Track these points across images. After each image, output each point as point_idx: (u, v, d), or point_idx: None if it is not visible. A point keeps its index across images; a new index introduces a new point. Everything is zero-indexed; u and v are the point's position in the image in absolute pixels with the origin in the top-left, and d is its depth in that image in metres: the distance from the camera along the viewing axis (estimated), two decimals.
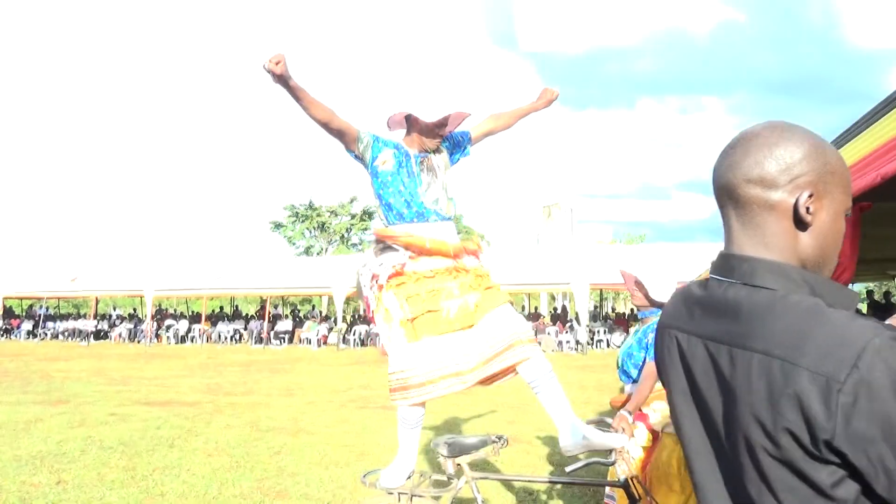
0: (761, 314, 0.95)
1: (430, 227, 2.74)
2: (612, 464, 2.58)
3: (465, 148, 3.00)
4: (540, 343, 18.65)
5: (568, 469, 2.49)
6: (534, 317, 25.95)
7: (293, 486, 5.38)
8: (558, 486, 4.98)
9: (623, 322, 23.94)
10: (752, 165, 1.01)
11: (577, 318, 21.51)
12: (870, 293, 14.57)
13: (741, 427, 0.94)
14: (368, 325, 25.26)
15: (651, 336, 3.06)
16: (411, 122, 2.79)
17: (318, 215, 48.94)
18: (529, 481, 2.99)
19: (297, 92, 2.50)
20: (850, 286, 3.34)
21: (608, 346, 22.01)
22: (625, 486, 2.55)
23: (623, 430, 2.71)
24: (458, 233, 2.87)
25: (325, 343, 24.07)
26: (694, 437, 1.08)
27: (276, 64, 2.31)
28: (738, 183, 1.02)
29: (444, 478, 2.75)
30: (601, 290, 26.57)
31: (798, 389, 0.86)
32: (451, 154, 2.93)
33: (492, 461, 5.55)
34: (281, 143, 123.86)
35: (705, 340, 1.03)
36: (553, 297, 37.23)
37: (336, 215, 49.92)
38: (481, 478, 2.70)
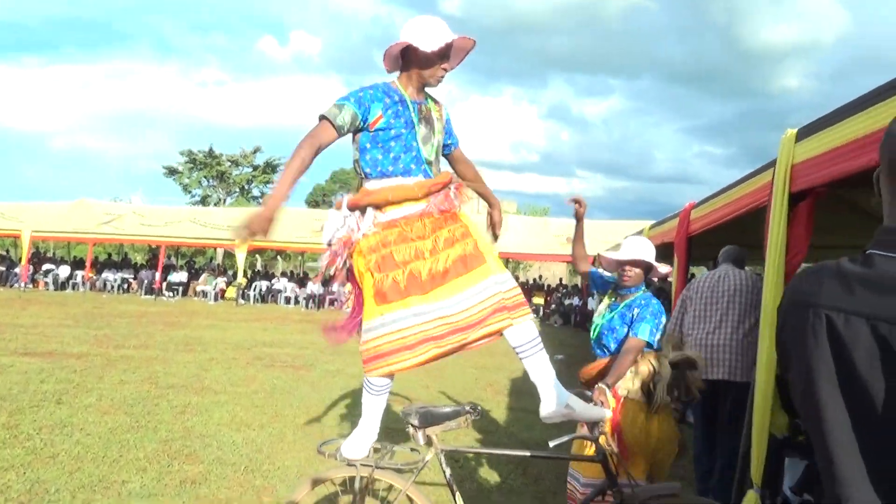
0: None
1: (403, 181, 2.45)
2: (595, 439, 2.44)
3: (449, 146, 2.70)
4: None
5: (552, 444, 2.34)
6: None
7: (203, 449, 4.99)
8: (495, 458, 4.89)
9: (526, 291, 24.38)
10: None
11: None
12: None
13: None
14: (270, 281, 24.42)
15: (636, 311, 2.98)
16: (409, 56, 2.46)
17: (218, 164, 46.50)
18: (506, 455, 2.81)
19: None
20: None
21: None
22: (603, 460, 2.43)
23: (602, 403, 2.59)
24: None
25: (222, 297, 23.03)
26: (836, 423, 0.95)
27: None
28: None
29: (408, 449, 2.53)
30: (507, 260, 26.95)
31: None
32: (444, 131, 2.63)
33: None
34: (179, 85, 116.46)
35: (873, 321, 0.90)
36: None
37: (237, 165, 47.64)
38: (452, 450, 2.50)
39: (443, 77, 2.50)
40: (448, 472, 2.48)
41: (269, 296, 23.34)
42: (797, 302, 1.04)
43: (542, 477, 4.60)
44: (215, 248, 32.51)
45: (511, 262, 34.18)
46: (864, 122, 2.54)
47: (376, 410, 2.49)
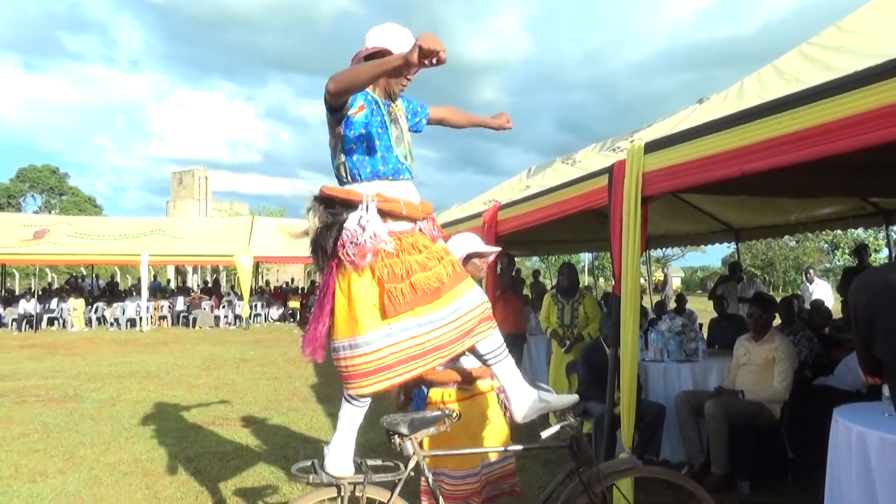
0: None
1: (401, 186, 2.44)
2: (575, 425, 2.58)
3: (421, 121, 2.73)
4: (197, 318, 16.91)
5: (544, 434, 2.45)
6: (183, 290, 23.97)
7: None
8: None
9: (281, 296, 23.74)
10: None
11: (237, 293, 20.54)
12: None
13: None
14: None
15: None
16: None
17: None
18: (477, 452, 2.82)
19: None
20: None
21: (266, 320, 21.60)
22: (570, 445, 2.61)
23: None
24: None
25: None
26: None
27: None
28: None
29: (379, 462, 2.45)
30: (258, 263, 25.87)
31: None
32: (406, 118, 2.63)
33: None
34: None
35: None
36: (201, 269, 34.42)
37: None
38: (436, 455, 2.47)
39: (406, 85, 2.52)
40: (430, 477, 2.48)
41: None
42: (880, 288, 1.67)
43: (524, 469, 4.36)
44: None
45: (264, 265, 32.81)
46: (709, 144, 3.16)
47: (355, 423, 2.40)
